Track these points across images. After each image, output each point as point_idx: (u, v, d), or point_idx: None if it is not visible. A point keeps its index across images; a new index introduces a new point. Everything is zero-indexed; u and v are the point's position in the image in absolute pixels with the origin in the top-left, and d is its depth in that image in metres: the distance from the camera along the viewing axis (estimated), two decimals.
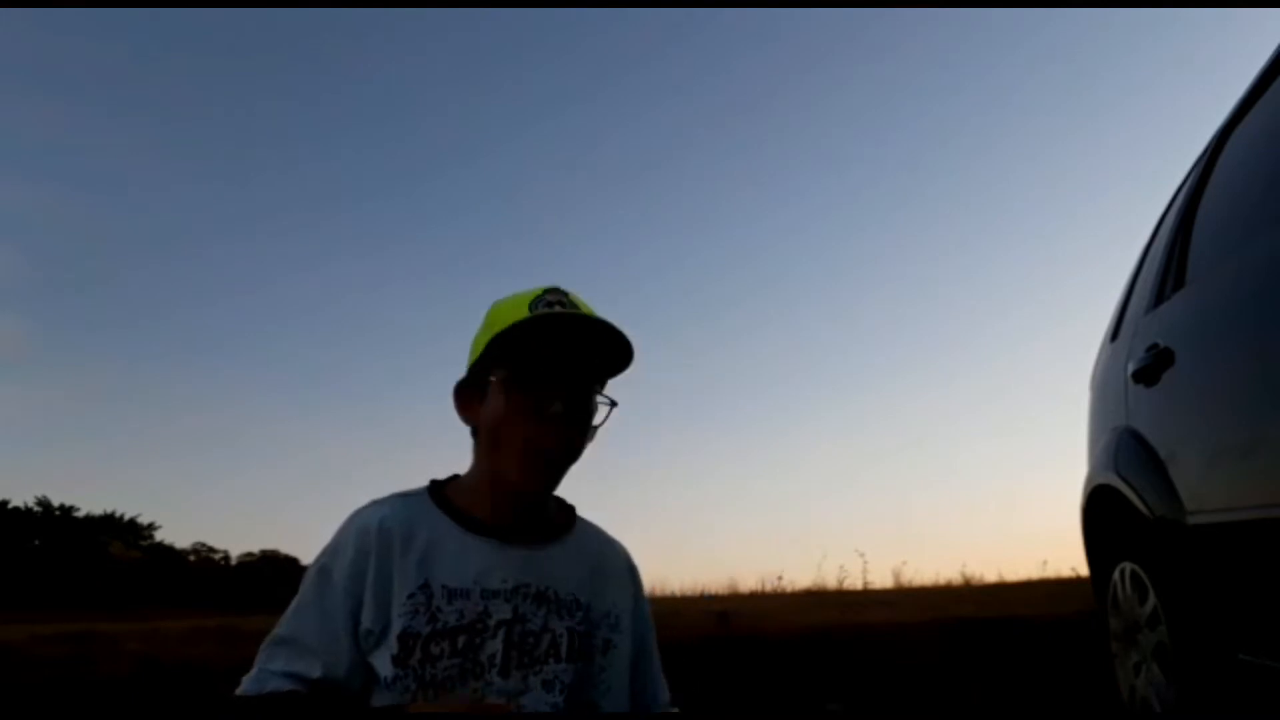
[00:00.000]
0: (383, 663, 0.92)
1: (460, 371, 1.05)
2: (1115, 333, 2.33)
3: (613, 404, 1.01)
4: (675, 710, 1.13)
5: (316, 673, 0.93)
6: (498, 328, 0.97)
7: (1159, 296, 1.98)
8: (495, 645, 0.94)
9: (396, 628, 0.92)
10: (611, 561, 1.10)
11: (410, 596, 0.93)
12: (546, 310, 0.97)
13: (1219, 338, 1.62)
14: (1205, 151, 2.00)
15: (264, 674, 0.95)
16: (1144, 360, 1.88)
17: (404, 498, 1.03)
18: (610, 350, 1.00)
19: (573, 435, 0.98)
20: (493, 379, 0.99)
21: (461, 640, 0.93)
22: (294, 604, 0.98)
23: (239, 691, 0.95)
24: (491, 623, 0.95)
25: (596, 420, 1.01)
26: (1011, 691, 2.98)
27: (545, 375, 0.97)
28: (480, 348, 1.00)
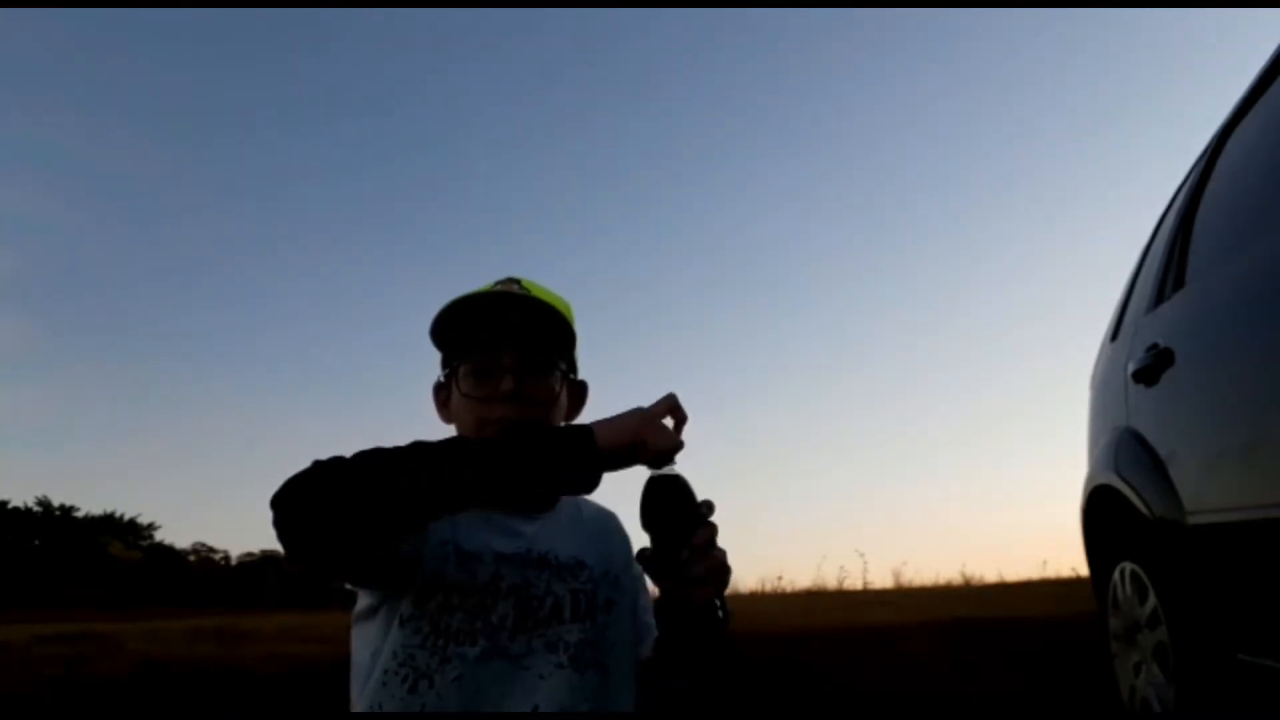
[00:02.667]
0: (403, 600, 0.95)
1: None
2: (1115, 333, 2.34)
3: (564, 374, 1.05)
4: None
5: None
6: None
7: (1159, 296, 1.98)
8: (506, 608, 0.97)
9: (426, 568, 0.95)
10: (606, 524, 1.15)
11: (443, 544, 0.96)
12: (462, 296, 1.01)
13: (1219, 338, 1.62)
14: (1205, 151, 2.00)
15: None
16: (1144, 360, 1.88)
17: None
18: (545, 324, 1.02)
19: (530, 411, 1.01)
20: (450, 373, 1.04)
21: (473, 600, 0.96)
22: None
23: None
24: (503, 586, 0.98)
25: (557, 391, 1.04)
26: (1012, 692, 2.98)
27: (486, 358, 1.01)
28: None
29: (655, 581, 0.88)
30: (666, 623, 0.93)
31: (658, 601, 0.89)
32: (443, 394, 1.08)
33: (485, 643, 0.95)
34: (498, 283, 1.05)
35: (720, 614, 0.89)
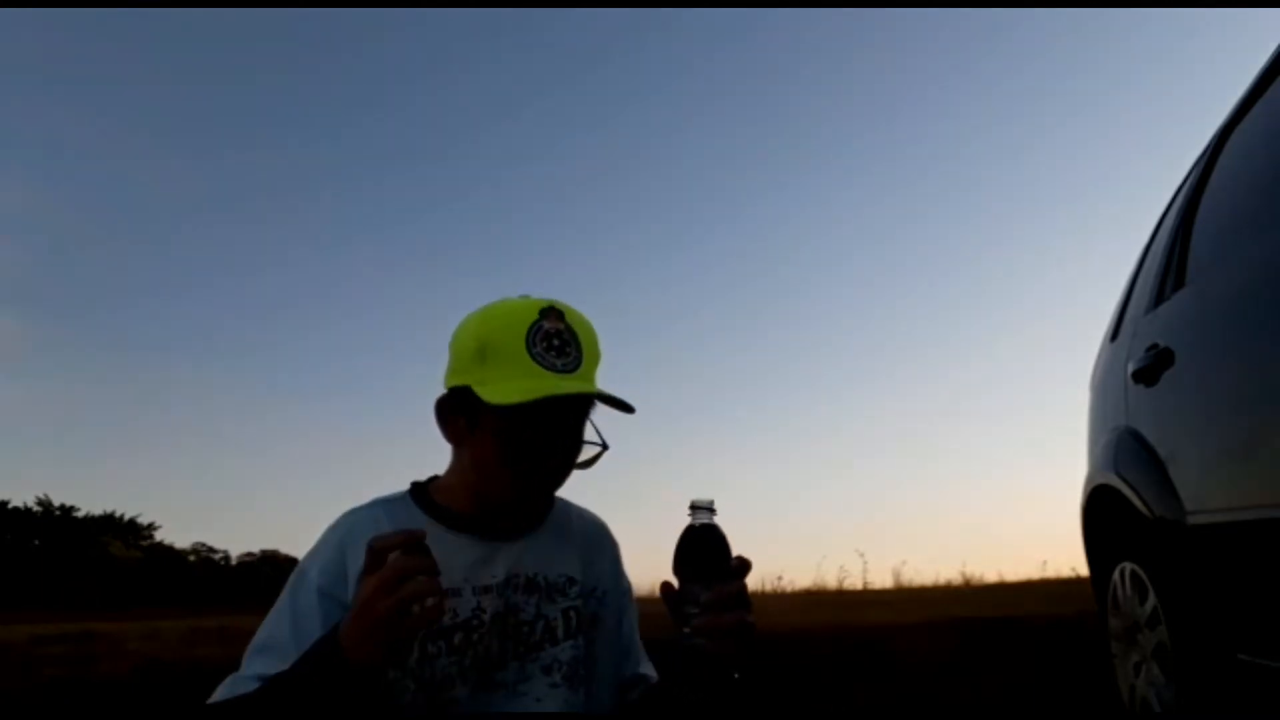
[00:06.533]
0: None
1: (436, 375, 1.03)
2: (1115, 333, 2.34)
3: (604, 447, 0.98)
4: (655, 677, 1.14)
5: None
6: (493, 382, 0.91)
7: (1159, 296, 1.98)
8: (492, 639, 0.95)
9: None
10: (594, 536, 1.11)
11: None
12: (549, 374, 0.91)
13: (1219, 338, 1.62)
14: (1205, 151, 2.00)
15: (239, 680, 0.89)
16: (1144, 360, 1.88)
17: (385, 502, 1.01)
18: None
19: (565, 472, 0.99)
20: (486, 415, 0.93)
21: (458, 638, 0.94)
22: (272, 610, 0.95)
23: (212, 699, 0.89)
24: (486, 618, 0.95)
25: (584, 456, 0.99)
26: (1011, 691, 2.98)
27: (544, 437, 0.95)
28: (466, 377, 0.94)
29: (674, 623, 0.86)
30: (674, 668, 0.91)
31: (671, 644, 0.86)
32: (452, 414, 0.98)
33: (475, 677, 0.93)
34: (542, 312, 0.94)
35: (734, 675, 0.86)
